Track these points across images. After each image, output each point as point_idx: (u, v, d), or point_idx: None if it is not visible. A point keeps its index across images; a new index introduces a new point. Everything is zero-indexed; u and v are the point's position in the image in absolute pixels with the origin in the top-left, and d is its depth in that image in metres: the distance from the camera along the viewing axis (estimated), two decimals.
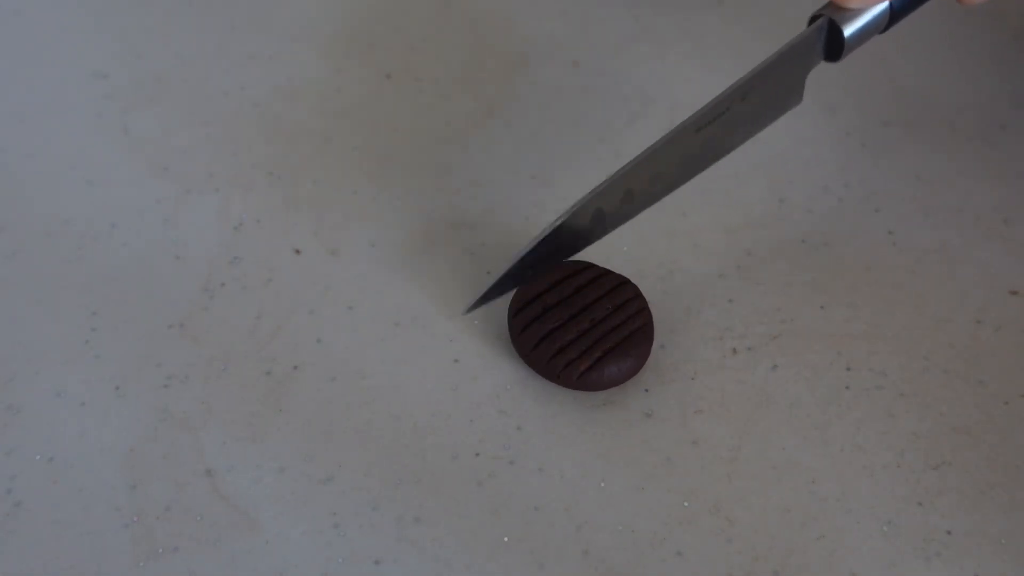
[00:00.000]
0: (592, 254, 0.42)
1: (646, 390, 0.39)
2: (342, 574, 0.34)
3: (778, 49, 0.38)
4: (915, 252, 0.43)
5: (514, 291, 0.40)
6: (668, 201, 0.44)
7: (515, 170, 0.46)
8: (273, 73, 0.50)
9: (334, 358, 0.40)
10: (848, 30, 0.38)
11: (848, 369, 0.40)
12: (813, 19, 0.38)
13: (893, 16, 0.38)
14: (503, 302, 0.41)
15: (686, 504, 0.36)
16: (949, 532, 0.36)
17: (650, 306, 0.41)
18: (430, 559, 0.35)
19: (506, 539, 0.35)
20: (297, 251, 0.43)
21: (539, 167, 0.46)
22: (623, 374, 0.38)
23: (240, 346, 0.40)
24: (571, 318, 0.39)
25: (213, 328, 0.41)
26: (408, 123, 0.48)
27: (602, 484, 0.37)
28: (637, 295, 0.40)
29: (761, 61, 0.38)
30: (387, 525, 0.36)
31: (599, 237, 0.38)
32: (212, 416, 0.38)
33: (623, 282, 0.40)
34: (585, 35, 0.52)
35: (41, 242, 0.43)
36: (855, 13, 0.38)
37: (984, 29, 0.46)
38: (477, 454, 0.37)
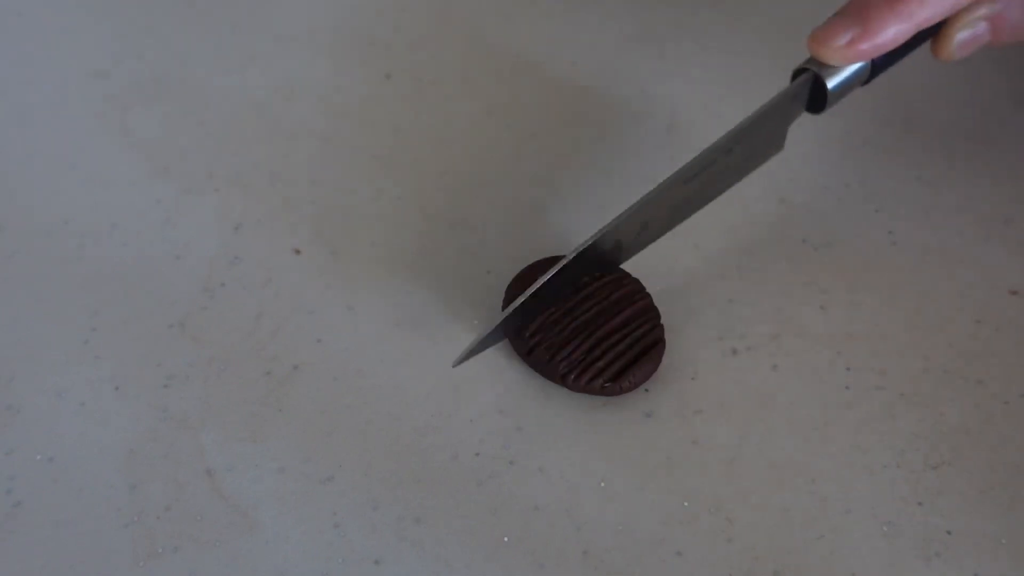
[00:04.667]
0: None
1: (646, 390, 0.39)
2: (342, 574, 0.34)
3: (764, 103, 0.40)
4: (915, 252, 0.43)
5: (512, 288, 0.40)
6: None
7: (515, 170, 0.46)
8: (273, 73, 0.50)
9: (334, 358, 0.40)
10: (831, 83, 0.39)
11: (848, 369, 0.40)
12: (796, 73, 0.40)
13: (875, 70, 0.40)
14: (498, 297, 0.41)
15: (686, 504, 0.36)
16: (949, 532, 0.36)
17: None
18: (430, 559, 0.35)
19: (506, 539, 0.35)
20: (297, 251, 0.43)
21: (539, 167, 0.46)
22: (637, 381, 0.38)
23: (240, 346, 0.40)
24: (567, 313, 0.39)
25: (213, 328, 0.41)
26: (408, 123, 0.48)
27: (602, 484, 0.37)
28: (644, 296, 0.40)
29: (748, 115, 0.40)
30: (387, 525, 0.36)
31: (589, 280, 0.40)
32: (212, 416, 0.38)
33: (623, 278, 0.40)
34: (585, 35, 0.52)
35: (41, 242, 0.43)
36: (838, 68, 0.39)
37: None
38: (477, 454, 0.37)
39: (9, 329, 0.40)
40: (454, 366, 0.38)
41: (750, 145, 0.41)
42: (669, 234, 0.43)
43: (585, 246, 0.38)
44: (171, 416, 0.38)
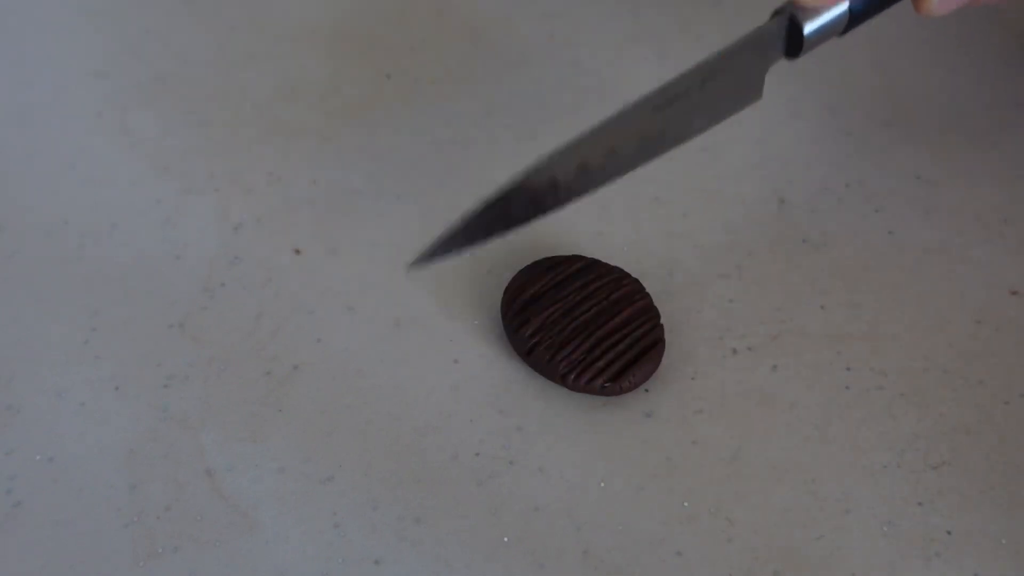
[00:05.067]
0: (591, 253, 0.42)
1: (646, 390, 0.39)
2: (342, 574, 0.34)
3: (739, 37, 0.38)
4: (915, 252, 0.43)
5: (510, 288, 0.40)
6: (668, 201, 0.45)
7: (515, 170, 0.46)
8: (273, 73, 0.50)
9: (334, 358, 0.40)
10: (808, 28, 0.38)
11: (848, 369, 0.40)
12: (775, 15, 0.39)
13: (852, 19, 0.39)
14: (498, 297, 0.41)
15: (686, 504, 0.36)
16: (949, 532, 0.36)
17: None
18: (430, 559, 0.35)
19: (506, 539, 0.35)
20: (297, 251, 0.43)
21: None
22: (637, 381, 0.38)
23: (240, 346, 0.40)
24: (567, 313, 0.39)
25: (213, 328, 0.41)
26: (408, 123, 0.48)
27: (602, 484, 0.37)
28: (644, 296, 0.40)
29: (722, 48, 0.38)
30: (387, 525, 0.36)
31: (552, 209, 0.37)
32: (212, 416, 0.38)
33: (623, 278, 0.40)
34: (585, 35, 0.52)
35: (41, 242, 0.43)
36: (815, 12, 0.38)
37: (984, 29, 0.46)
38: (477, 454, 0.37)
39: (9, 329, 0.40)
40: (408, 270, 0.37)
41: (725, 83, 0.39)
42: (669, 234, 0.44)
43: (545, 160, 0.36)
44: (171, 416, 0.38)
